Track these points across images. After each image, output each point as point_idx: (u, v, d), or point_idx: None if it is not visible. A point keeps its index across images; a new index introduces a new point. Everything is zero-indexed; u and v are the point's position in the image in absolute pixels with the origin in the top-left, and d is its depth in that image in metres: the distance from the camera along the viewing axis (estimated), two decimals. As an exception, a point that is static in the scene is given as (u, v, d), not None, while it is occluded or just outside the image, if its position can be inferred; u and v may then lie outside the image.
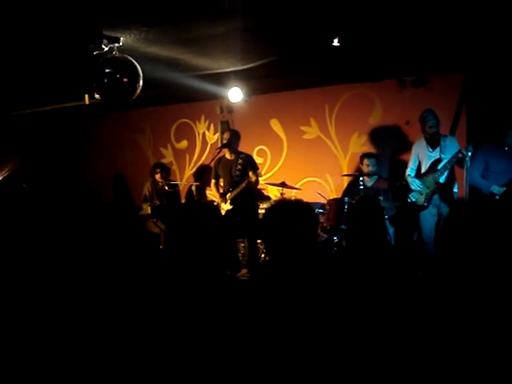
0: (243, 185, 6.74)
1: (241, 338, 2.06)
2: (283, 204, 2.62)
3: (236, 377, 2.00)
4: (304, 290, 2.34)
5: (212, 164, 7.15)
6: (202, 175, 7.55)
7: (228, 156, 7.08)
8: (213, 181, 7.41)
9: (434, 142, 6.19)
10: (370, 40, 5.93)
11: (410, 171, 6.43)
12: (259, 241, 7.08)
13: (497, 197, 5.66)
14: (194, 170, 9.14)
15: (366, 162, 6.95)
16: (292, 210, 2.53)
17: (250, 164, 6.98)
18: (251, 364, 2.05)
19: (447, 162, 6.00)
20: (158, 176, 8.44)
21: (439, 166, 6.07)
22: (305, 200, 2.75)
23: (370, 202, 3.73)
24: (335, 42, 5.70)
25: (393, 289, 2.99)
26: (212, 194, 8.60)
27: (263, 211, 7.18)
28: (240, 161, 6.91)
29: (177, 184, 8.81)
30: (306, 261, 2.47)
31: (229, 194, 6.94)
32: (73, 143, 10.10)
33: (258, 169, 7.11)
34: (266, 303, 2.31)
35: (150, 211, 7.97)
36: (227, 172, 7.05)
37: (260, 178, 7.13)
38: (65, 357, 2.25)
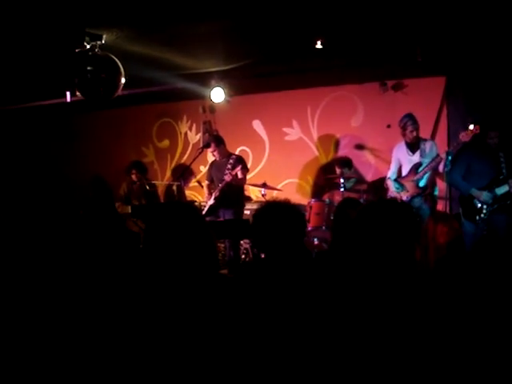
0: (226, 178, 6.77)
1: (227, 334, 2.06)
2: (274, 204, 2.67)
3: (221, 375, 2.00)
4: (291, 288, 2.39)
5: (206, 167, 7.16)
6: (183, 175, 7.53)
7: (219, 158, 7.13)
8: (206, 182, 7.52)
9: (413, 146, 6.24)
10: (352, 42, 5.96)
11: (390, 175, 6.48)
12: (241, 241, 7.10)
13: (475, 201, 5.68)
14: (174, 169, 9.12)
15: (338, 170, 7.15)
16: (283, 211, 2.59)
17: (239, 163, 6.99)
18: (236, 361, 2.05)
19: (426, 166, 6.07)
20: (133, 177, 8.33)
21: (419, 170, 6.13)
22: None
23: (353, 204, 3.75)
24: (318, 45, 5.73)
25: (373, 291, 3.01)
26: (194, 193, 8.62)
27: (248, 212, 7.24)
28: (231, 161, 6.97)
29: (155, 184, 8.80)
30: (294, 260, 2.53)
31: (215, 191, 7.00)
32: (54, 141, 9.98)
33: (247, 170, 7.19)
34: (251, 299, 2.32)
35: (129, 210, 7.89)
36: (219, 173, 7.10)
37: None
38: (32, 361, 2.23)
